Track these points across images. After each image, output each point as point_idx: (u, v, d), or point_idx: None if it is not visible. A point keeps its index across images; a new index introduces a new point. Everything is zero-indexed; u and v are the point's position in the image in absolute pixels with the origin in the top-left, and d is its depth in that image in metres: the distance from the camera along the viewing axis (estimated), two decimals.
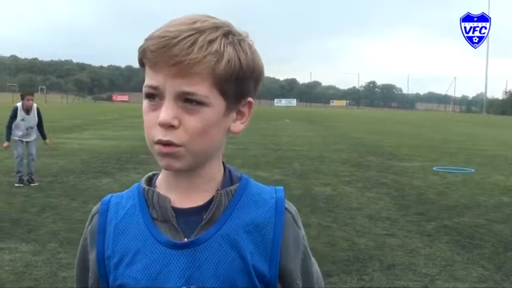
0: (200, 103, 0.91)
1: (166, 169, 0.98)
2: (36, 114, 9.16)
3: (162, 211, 0.99)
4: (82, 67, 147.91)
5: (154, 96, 0.92)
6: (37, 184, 8.82)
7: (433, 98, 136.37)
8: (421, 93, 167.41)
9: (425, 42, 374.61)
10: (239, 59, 0.93)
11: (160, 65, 0.90)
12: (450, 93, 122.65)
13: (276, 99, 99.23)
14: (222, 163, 1.04)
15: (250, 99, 1.00)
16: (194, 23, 0.91)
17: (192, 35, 0.89)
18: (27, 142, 9.08)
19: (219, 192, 0.99)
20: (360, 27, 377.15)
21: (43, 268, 4.79)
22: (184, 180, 1.00)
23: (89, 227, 1.05)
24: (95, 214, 1.05)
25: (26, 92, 9.45)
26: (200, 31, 0.90)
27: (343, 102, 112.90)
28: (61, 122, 24.16)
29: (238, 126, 1.00)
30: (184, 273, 0.95)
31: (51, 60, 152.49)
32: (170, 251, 0.96)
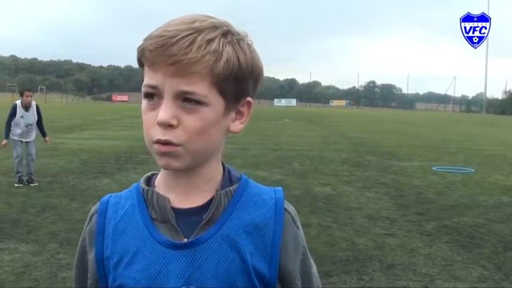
0: (199, 102, 0.91)
1: (165, 168, 0.97)
2: (35, 112, 9.13)
3: (161, 211, 0.98)
4: (81, 67, 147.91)
5: (153, 95, 0.92)
6: (37, 184, 8.81)
7: (432, 98, 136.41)
8: (421, 93, 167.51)
9: (425, 42, 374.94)
10: (238, 59, 0.92)
11: (158, 64, 0.90)
12: (450, 93, 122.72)
13: (275, 99, 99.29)
14: (221, 163, 1.04)
15: (249, 99, 0.99)
16: (193, 22, 0.91)
17: (190, 34, 0.89)
18: (26, 142, 9.07)
19: (218, 192, 0.99)
20: (359, 27, 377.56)
21: (43, 268, 4.78)
22: (183, 180, 0.99)
23: (88, 227, 1.05)
24: (93, 214, 1.05)
25: (25, 88, 9.43)
26: (199, 30, 0.90)
27: (343, 102, 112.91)
28: (60, 122, 24.15)
29: (237, 126, 1.00)
30: (184, 274, 0.95)
31: (51, 60, 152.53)
32: (170, 251, 0.96)
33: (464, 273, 4.96)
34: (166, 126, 0.90)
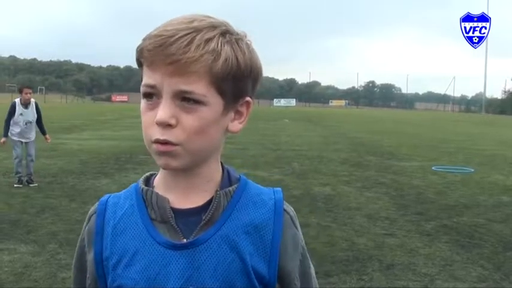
0: (198, 102, 0.91)
1: (163, 168, 0.97)
2: (34, 109, 9.09)
3: (160, 211, 0.98)
4: (81, 67, 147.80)
5: (152, 95, 0.92)
6: (36, 185, 8.81)
7: (432, 98, 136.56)
8: (420, 92, 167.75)
9: (424, 42, 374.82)
10: (236, 58, 0.93)
11: (157, 63, 0.90)
12: (449, 92, 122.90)
13: (275, 99, 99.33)
14: (220, 164, 1.04)
15: (248, 98, 0.99)
16: (191, 22, 0.91)
17: (189, 33, 0.89)
18: (26, 143, 9.06)
19: (218, 193, 0.99)
20: (359, 27, 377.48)
21: (42, 269, 4.78)
22: (182, 180, 0.99)
23: (87, 228, 1.05)
24: (92, 214, 1.05)
25: (24, 85, 9.40)
26: (197, 30, 0.90)
27: (342, 102, 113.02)
28: (60, 123, 24.13)
29: (236, 125, 1.00)
30: (183, 274, 0.95)
31: (50, 61, 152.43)
32: (169, 252, 0.96)
33: (463, 273, 4.96)
34: (165, 125, 0.90)
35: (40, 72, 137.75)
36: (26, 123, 8.96)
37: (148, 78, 0.92)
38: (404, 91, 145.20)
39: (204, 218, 0.97)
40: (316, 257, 4.94)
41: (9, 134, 8.96)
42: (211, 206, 0.98)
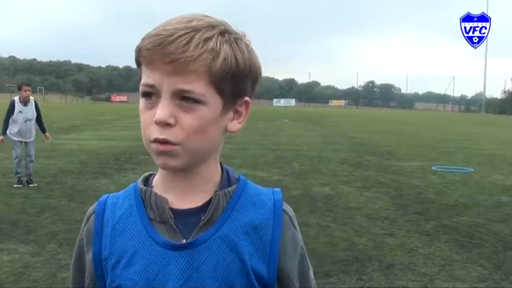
0: (197, 101, 0.91)
1: (162, 168, 0.97)
2: (34, 107, 9.07)
3: (159, 212, 0.98)
4: (80, 67, 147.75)
5: (151, 94, 0.92)
6: (36, 185, 8.80)
7: (432, 98, 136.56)
8: (420, 92, 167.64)
9: (424, 42, 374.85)
10: (235, 58, 0.92)
11: (156, 62, 0.90)
12: (449, 92, 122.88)
13: (274, 99, 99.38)
14: (219, 164, 1.04)
15: (247, 98, 0.99)
16: (190, 21, 0.91)
17: (188, 33, 0.89)
18: (25, 143, 9.05)
19: (217, 193, 0.99)
20: (359, 27, 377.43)
21: (42, 269, 4.78)
22: (181, 180, 0.99)
23: (85, 228, 1.05)
24: (91, 215, 1.05)
25: (24, 83, 9.39)
26: (196, 29, 0.90)
27: (342, 102, 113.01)
28: (59, 123, 24.13)
29: (235, 125, 1.00)
30: (183, 275, 0.95)
31: (50, 61, 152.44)
32: (168, 252, 0.96)
33: (463, 272, 4.96)
34: (164, 125, 0.90)
35: (39, 72, 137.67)
36: (25, 121, 8.93)
37: (147, 77, 0.92)
38: (404, 91, 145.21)
39: (203, 218, 0.97)
40: (315, 257, 4.94)
41: (8, 134, 8.95)
42: (210, 206, 0.98)
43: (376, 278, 4.79)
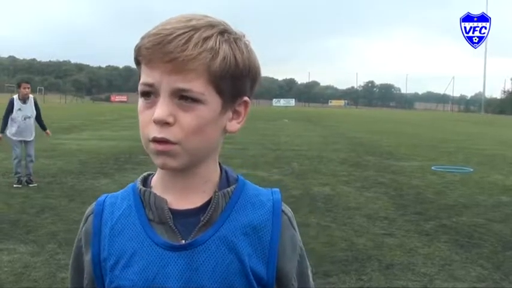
0: (196, 100, 0.91)
1: (161, 168, 0.97)
2: (33, 105, 9.04)
3: (158, 212, 0.98)
4: (80, 67, 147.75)
5: (150, 94, 0.92)
6: (36, 185, 8.80)
7: (431, 98, 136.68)
8: (420, 92, 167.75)
9: (424, 42, 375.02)
10: (235, 57, 0.92)
11: (155, 61, 0.90)
12: (448, 92, 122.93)
13: (274, 99, 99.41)
14: (218, 164, 1.04)
15: (246, 98, 0.99)
16: (190, 20, 0.91)
17: (187, 32, 0.89)
18: (25, 143, 9.03)
19: (216, 193, 0.99)
20: (359, 27, 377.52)
21: (42, 269, 4.78)
22: (180, 180, 0.99)
23: (84, 228, 1.04)
24: (89, 215, 1.05)
25: (23, 80, 9.36)
26: (195, 28, 0.90)
27: (342, 102, 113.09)
28: (59, 123, 24.10)
29: (234, 125, 1.00)
30: (182, 276, 0.95)
31: (50, 61, 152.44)
32: (167, 253, 0.95)
33: (463, 272, 4.96)
34: (163, 124, 0.90)
35: (39, 72, 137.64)
36: (24, 119, 8.89)
37: (146, 76, 0.92)
38: (403, 91, 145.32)
39: (202, 219, 0.97)
40: (315, 257, 4.94)
41: (8, 133, 8.94)
42: (209, 207, 0.98)
43: (376, 278, 4.79)
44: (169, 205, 0.98)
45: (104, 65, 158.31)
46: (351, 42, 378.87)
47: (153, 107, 0.91)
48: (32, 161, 9.05)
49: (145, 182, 1.04)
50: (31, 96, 9.09)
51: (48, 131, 9.54)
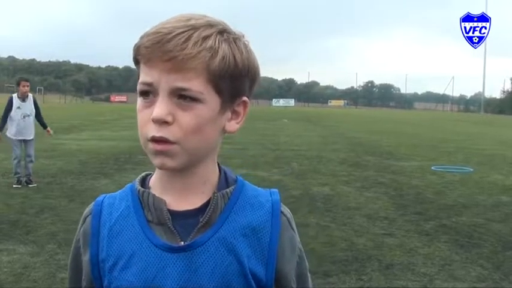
0: (194, 99, 0.90)
1: (160, 168, 0.96)
2: (32, 103, 9.02)
3: (157, 213, 0.98)
4: (80, 68, 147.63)
5: (149, 93, 0.92)
6: (35, 185, 8.79)
7: (431, 98, 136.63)
8: (419, 92, 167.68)
9: (424, 42, 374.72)
10: (234, 57, 0.92)
11: (154, 60, 0.90)
12: (448, 92, 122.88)
13: (274, 99, 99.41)
14: (217, 164, 1.03)
15: (245, 98, 0.99)
16: (189, 20, 0.91)
17: (186, 31, 0.89)
18: (25, 143, 9.02)
19: (215, 194, 0.98)
20: (358, 27, 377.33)
21: (41, 269, 4.77)
22: (179, 181, 0.99)
23: (82, 229, 1.04)
24: (87, 215, 1.04)
25: (22, 78, 9.33)
26: (195, 28, 0.90)
27: (341, 102, 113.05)
28: (59, 123, 24.06)
29: (233, 125, 0.99)
30: (181, 277, 0.94)
31: (49, 61, 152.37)
32: (166, 254, 0.95)
33: (463, 272, 4.96)
34: (162, 123, 0.90)
35: (39, 72, 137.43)
36: (23, 117, 8.86)
37: (145, 75, 0.92)
38: (403, 91, 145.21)
39: (201, 220, 0.96)
40: (315, 257, 4.94)
41: (7, 133, 8.94)
42: (208, 208, 0.97)
43: (376, 278, 4.79)
44: (168, 206, 0.98)
45: (103, 65, 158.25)
46: (350, 42, 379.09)
47: (151, 106, 0.91)
48: (31, 161, 9.04)
49: (144, 182, 1.04)
50: (30, 94, 9.08)
51: (49, 129, 9.51)
